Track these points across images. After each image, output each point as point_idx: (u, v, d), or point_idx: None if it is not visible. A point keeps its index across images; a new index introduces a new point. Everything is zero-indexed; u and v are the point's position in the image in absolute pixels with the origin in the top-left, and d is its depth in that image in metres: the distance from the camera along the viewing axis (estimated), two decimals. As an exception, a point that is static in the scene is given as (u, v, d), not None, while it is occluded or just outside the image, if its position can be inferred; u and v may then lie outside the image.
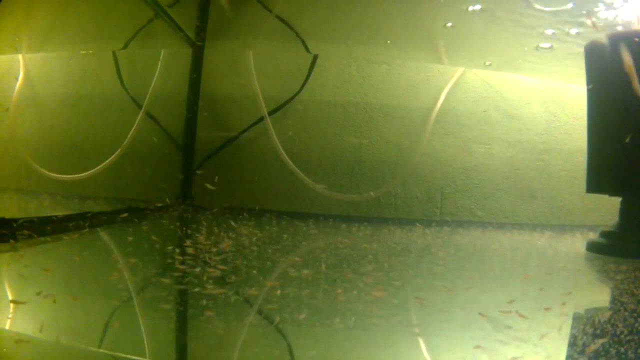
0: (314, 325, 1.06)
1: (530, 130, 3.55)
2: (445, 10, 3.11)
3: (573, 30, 2.99)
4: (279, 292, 1.26)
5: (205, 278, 1.36)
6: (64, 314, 1.04)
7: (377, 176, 3.42)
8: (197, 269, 1.47)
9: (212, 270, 1.45)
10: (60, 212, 2.49)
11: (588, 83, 2.45)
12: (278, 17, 3.31)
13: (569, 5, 2.67)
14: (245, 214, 3.11)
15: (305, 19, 3.37)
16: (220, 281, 1.36)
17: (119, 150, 3.43)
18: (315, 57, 3.44)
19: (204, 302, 1.15)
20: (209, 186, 2.90)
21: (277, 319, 1.07)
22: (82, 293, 1.23)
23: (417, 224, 3.18)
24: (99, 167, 3.46)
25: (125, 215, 2.39)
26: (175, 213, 3.04)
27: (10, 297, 1.07)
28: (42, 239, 1.83)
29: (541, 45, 3.20)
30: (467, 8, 2.95)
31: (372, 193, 3.33)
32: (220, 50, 3.45)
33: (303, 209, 3.39)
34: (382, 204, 3.42)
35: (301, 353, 0.91)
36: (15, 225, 1.78)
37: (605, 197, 2.79)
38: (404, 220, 3.36)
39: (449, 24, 3.19)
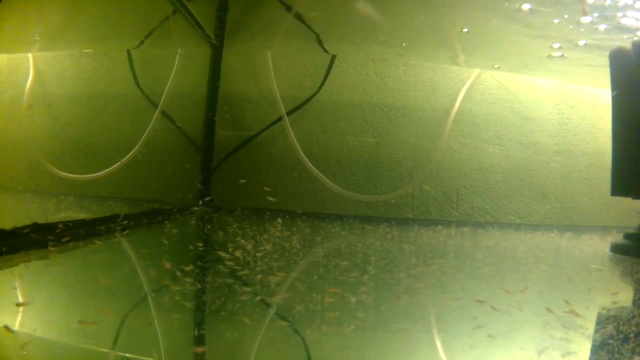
0: (395, 331, 1.08)
1: (544, 132, 3.60)
2: (461, 15, 3.12)
3: (581, 42, 3.03)
4: (354, 299, 1.26)
5: (272, 286, 1.36)
6: (151, 333, 1.02)
7: (395, 176, 3.45)
8: (258, 276, 1.47)
9: (272, 277, 1.45)
10: (78, 215, 2.45)
11: (613, 89, 2.50)
12: (297, 15, 3.30)
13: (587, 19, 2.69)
14: (267, 214, 3.11)
15: (323, 19, 3.36)
16: (287, 288, 1.36)
17: (134, 150, 3.38)
18: (333, 58, 3.44)
19: (273, 310, 1.16)
20: (271, 198, 2.92)
21: (352, 326, 1.08)
22: (159, 310, 1.19)
23: (439, 225, 3.21)
24: (113, 166, 3.41)
25: (158, 218, 2.37)
26: (197, 214, 3.02)
27: (80, 318, 1.03)
28: (76, 244, 1.79)
29: (553, 54, 3.24)
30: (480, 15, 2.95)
31: (410, 190, 3.37)
32: (238, 50, 3.42)
33: (322, 210, 3.40)
34: (399, 204, 3.44)
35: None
36: (58, 231, 1.75)
37: (618, 199, 2.86)
38: (422, 220, 3.39)
39: (465, 30, 3.20)
